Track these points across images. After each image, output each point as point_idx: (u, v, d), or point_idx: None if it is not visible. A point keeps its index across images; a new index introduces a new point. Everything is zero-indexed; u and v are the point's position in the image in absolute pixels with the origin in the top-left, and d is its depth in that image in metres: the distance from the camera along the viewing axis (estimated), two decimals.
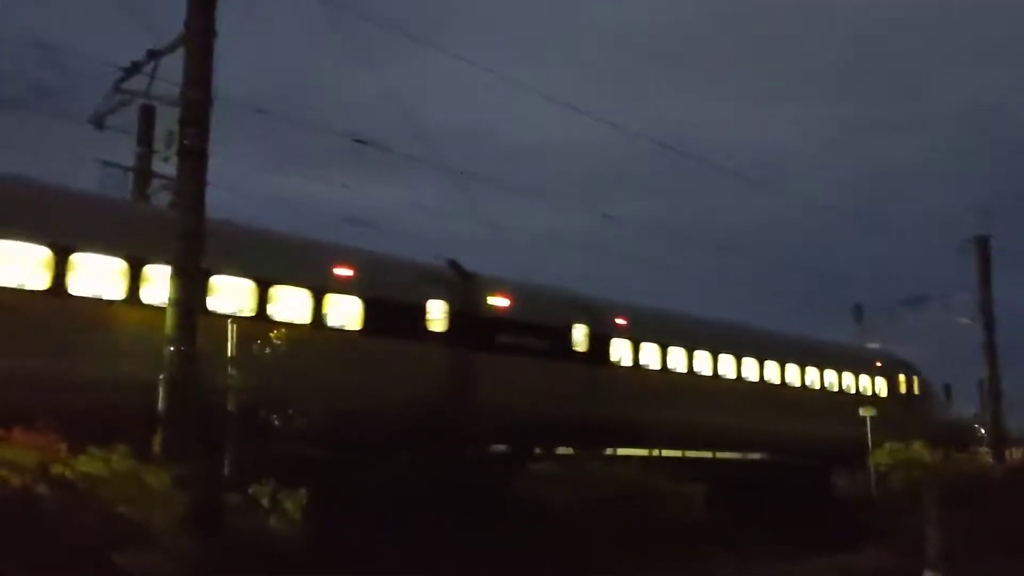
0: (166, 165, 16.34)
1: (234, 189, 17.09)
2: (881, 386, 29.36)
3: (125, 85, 16.66)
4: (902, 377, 30.30)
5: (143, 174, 19.41)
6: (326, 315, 15.96)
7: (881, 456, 19.57)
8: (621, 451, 19.46)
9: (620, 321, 21.28)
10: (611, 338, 20.97)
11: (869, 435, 20.25)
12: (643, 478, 15.66)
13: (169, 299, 11.92)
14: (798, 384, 26.23)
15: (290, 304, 15.48)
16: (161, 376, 11.49)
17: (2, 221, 12.59)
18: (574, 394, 19.31)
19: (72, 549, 8.59)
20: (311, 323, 15.65)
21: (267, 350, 12.61)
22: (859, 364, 29.16)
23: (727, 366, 23.86)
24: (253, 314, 14.75)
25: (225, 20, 12.50)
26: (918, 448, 19.40)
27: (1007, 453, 31.29)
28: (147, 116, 18.74)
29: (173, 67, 13.14)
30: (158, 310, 12.55)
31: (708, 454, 22.74)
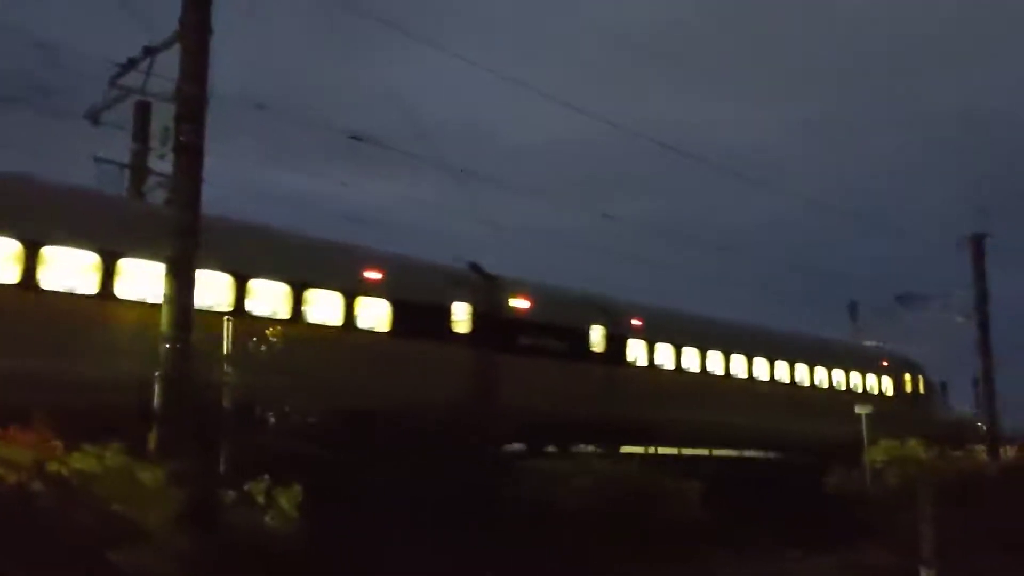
0: (162, 161, 16.37)
1: (231, 186, 17.16)
2: (887, 385, 29.70)
3: (121, 81, 16.66)
4: (907, 376, 30.64)
5: (139, 171, 19.37)
6: (356, 317, 16.34)
7: (876, 453, 19.59)
8: (619, 449, 19.57)
9: (636, 322, 21.67)
10: (627, 339, 21.35)
11: (865, 432, 20.28)
12: (641, 476, 15.68)
13: (164, 296, 11.90)
14: (808, 383, 26.59)
15: (323, 307, 15.94)
16: (156, 373, 11.48)
17: None
18: (592, 394, 19.64)
19: (67, 547, 8.58)
20: (342, 325, 16.10)
21: (302, 351, 13.39)
22: (866, 363, 29.50)
23: (739, 366, 24.21)
24: (288, 316, 15.27)
25: (226, 17, 12.49)
26: (913, 445, 19.41)
27: (1002, 451, 31.38)
28: (143, 112, 18.71)
29: (169, 63, 13.13)
30: (132, 304, 12.92)
31: (704, 451, 22.81)
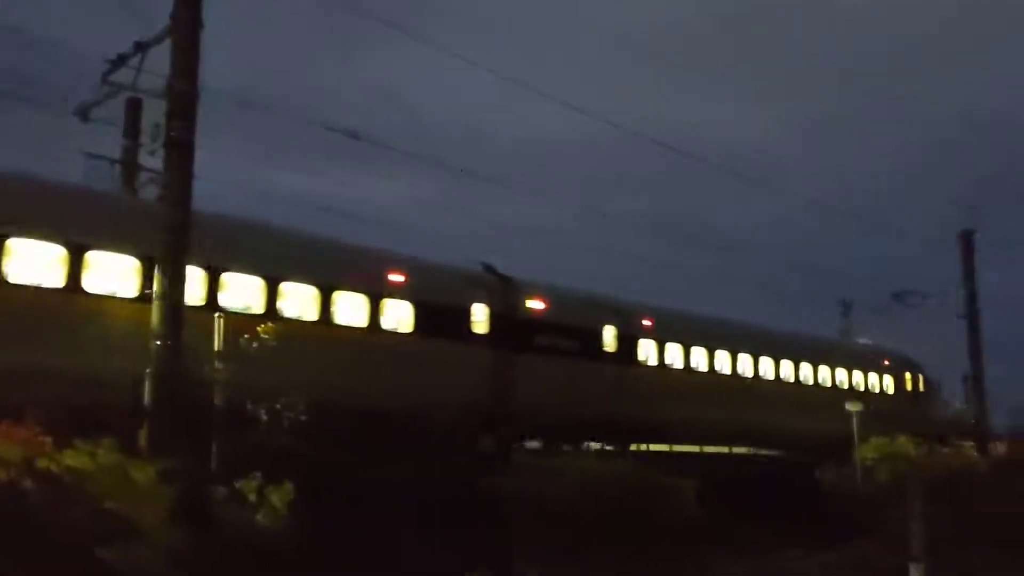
0: (153, 158, 16.28)
1: (229, 184, 17.24)
2: (888, 384, 30.18)
3: (112, 77, 16.54)
4: (908, 375, 31.10)
5: (130, 167, 19.29)
6: (381, 319, 16.93)
7: (867, 450, 19.67)
8: (610, 447, 19.74)
9: (646, 322, 22.20)
10: (638, 338, 21.89)
11: (855, 430, 20.38)
12: (635, 474, 15.71)
13: (155, 293, 11.86)
14: (811, 382, 27.08)
15: (349, 308, 16.50)
16: (148, 370, 11.44)
17: None
18: (605, 392, 20.11)
19: (58, 544, 8.55)
20: (368, 326, 16.65)
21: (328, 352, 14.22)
22: (868, 363, 29.98)
23: (746, 365, 24.72)
24: (316, 318, 15.87)
25: (226, 16, 12.45)
26: (903, 442, 19.50)
27: (991, 447, 31.54)
28: (134, 108, 18.59)
29: (161, 59, 13.06)
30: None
31: (697, 449, 22.94)
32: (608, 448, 19.79)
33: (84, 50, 14.28)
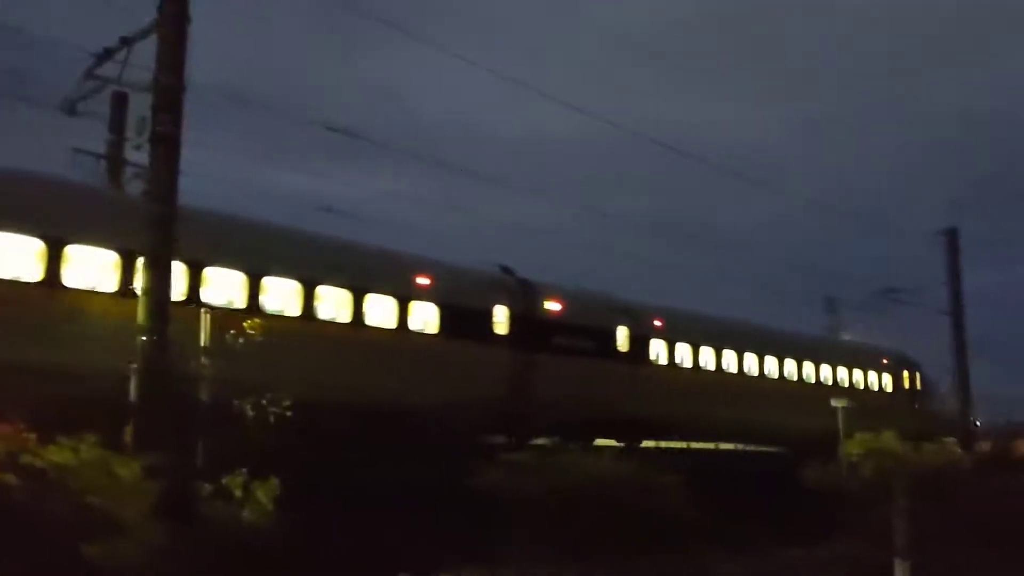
0: (139, 152, 16.18)
1: (226, 183, 17.39)
2: (887, 381, 30.69)
3: (97, 71, 16.43)
4: (906, 373, 31.55)
5: (115, 161, 19.19)
6: (409, 320, 17.52)
7: (852, 446, 19.71)
8: (600, 442, 20.02)
9: (657, 323, 22.82)
10: (649, 338, 22.52)
11: (841, 426, 20.46)
12: (621, 469, 15.69)
13: (142, 289, 11.81)
14: (814, 380, 27.55)
15: (380, 311, 17.07)
16: (133, 365, 11.38)
17: None
18: (618, 390, 20.79)
19: (41, 539, 8.50)
20: (397, 327, 17.25)
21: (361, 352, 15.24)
22: (868, 361, 30.40)
23: (751, 364, 25.32)
24: (349, 320, 16.46)
25: (226, 14, 12.38)
26: (887, 438, 19.54)
27: (976, 445, 31.77)
28: (119, 103, 18.50)
29: (147, 53, 12.96)
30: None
31: (684, 445, 23.09)
32: (619, 444, 20.37)
33: (71, 45, 14.16)
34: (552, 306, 20.49)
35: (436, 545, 12.47)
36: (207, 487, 10.49)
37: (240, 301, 14.98)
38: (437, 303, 17.90)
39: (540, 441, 18.90)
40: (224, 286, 14.95)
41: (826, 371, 28.16)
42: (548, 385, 19.28)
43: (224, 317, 12.82)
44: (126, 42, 14.31)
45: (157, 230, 11.88)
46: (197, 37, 12.40)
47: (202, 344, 11.79)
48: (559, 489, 14.00)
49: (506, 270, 20.55)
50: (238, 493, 10.50)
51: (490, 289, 19.45)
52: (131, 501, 9.23)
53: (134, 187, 18.10)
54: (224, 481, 10.52)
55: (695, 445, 23.37)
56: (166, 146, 12.09)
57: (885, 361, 30.96)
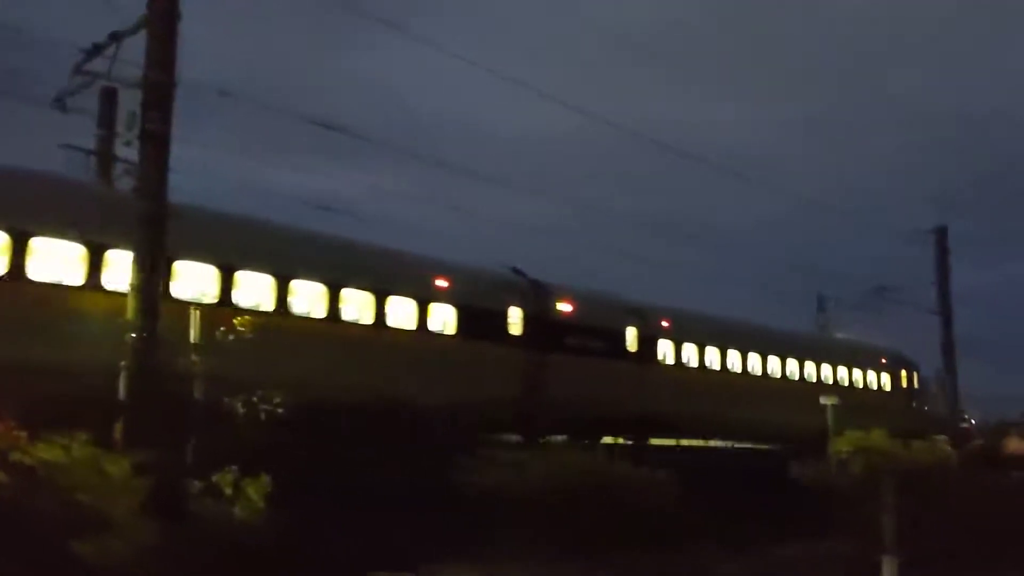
0: (129, 148, 16.12)
1: (226, 181, 17.45)
2: (885, 381, 31.03)
3: (87, 67, 16.35)
4: (903, 372, 31.87)
5: (105, 157, 19.13)
6: (428, 321, 17.93)
7: (842, 443, 19.77)
8: (648, 441, 21.26)
9: (664, 323, 23.24)
10: (657, 338, 22.93)
11: (830, 423, 20.54)
12: (611, 467, 15.73)
13: (131, 285, 11.77)
14: (815, 379, 27.88)
15: (401, 312, 17.50)
16: (123, 363, 11.35)
17: None
18: (627, 390, 21.13)
19: (31, 537, 8.48)
20: (416, 328, 17.64)
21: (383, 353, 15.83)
22: (868, 361, 30.69)
23: (755, 363, 25.70)
24: (372, 321, 16.92)
25: (226, 14, 12.34)
26: (877, 435, 19.60)
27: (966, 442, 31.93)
28: (109, 98, 18.42)
29: (137, 49, 12.91)
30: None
31: (673, 442, 23.19)
32: (628, 442, 20.92)
33: (63, 42, 14.10)
34: (563, 307, 20.88)
35: (435, 544, 12.46)
36: (197, 484, 10.47)
37: (268, 304, 15.43)
38: (455, 305, 18.33)
39: (552, 439, 19.20)
40: (254, 289, 15.39)
41: (827, 370, 28.50)
42: (560, 384, 19.67)
43: (254, 319, 13.24)
44: (115, 38, 14.26)
45: (147, 227, 11.85)
46: (197, 36, 12.43)
47: (192, 341, 11.77)
48: (559, 488, 14.05)
49: (517, 271, 20.87)
50: (228, 491, 10.49)
51: (504, 291, 19.86)
52: (120, 498, 9.23)
53: (124, 183, 18.06)
54: (214, 479, 10.51)
55: (689, 443, 23.58)
56: (155, 143, 12.04)
57: (884, 361, 31.29)
